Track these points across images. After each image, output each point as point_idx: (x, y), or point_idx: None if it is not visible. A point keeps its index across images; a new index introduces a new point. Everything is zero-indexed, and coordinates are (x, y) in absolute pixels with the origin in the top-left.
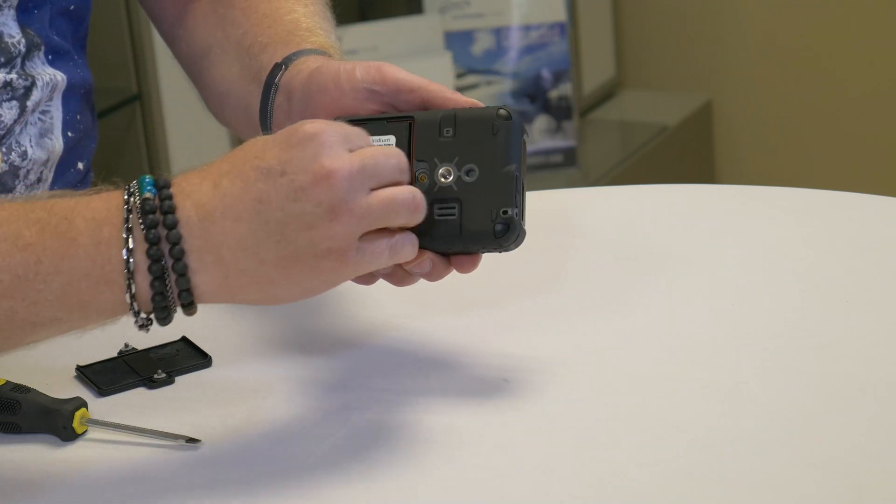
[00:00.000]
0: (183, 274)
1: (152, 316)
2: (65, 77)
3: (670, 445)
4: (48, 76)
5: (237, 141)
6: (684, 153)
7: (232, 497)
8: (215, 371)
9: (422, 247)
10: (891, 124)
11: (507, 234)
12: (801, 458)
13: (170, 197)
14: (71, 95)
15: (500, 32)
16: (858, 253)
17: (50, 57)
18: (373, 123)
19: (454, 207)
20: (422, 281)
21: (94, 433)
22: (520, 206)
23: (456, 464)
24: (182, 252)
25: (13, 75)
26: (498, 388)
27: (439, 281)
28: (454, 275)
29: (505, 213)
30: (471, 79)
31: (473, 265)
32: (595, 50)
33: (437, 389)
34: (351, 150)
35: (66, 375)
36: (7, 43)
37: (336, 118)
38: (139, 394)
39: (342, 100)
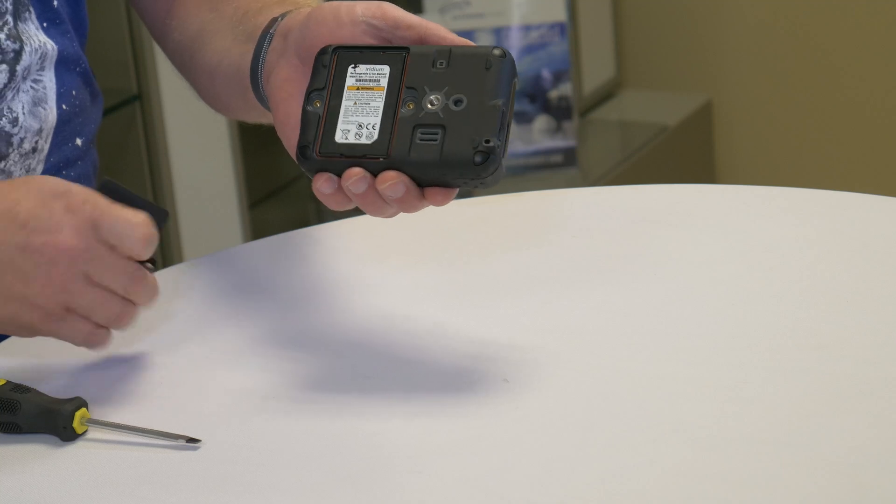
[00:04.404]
0: None
1: None
2: (55, 47)
3: (670, 445)
4: (38, 42)
5: (237, 141)
6: (684, 153)
7: (232, 497)
8: (215, 371)
9: (399, 170)
10: (891, 125)
11: (485, 163)
12: (802, 458)
13: None
14: (64, 69)
15: (500, 32)
16: (858, 253)
17: (45, 24)
18: (368, 52)
19: (437, 133)
20: (421, 281)
21: (94, 433)
22: (503, 141)
23: (456, 464)
24: None
25: (2, 34)
26: (498, 388)
27: (437, 280)
28: (455, 274)
29: (487, 141)
30: None
31: (447, 198)
32: (595, 50)
33: (437, 389)
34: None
35: (66, 375)
36: None
37: (331, 46)
38: (139, 394)
39: (339, 32)
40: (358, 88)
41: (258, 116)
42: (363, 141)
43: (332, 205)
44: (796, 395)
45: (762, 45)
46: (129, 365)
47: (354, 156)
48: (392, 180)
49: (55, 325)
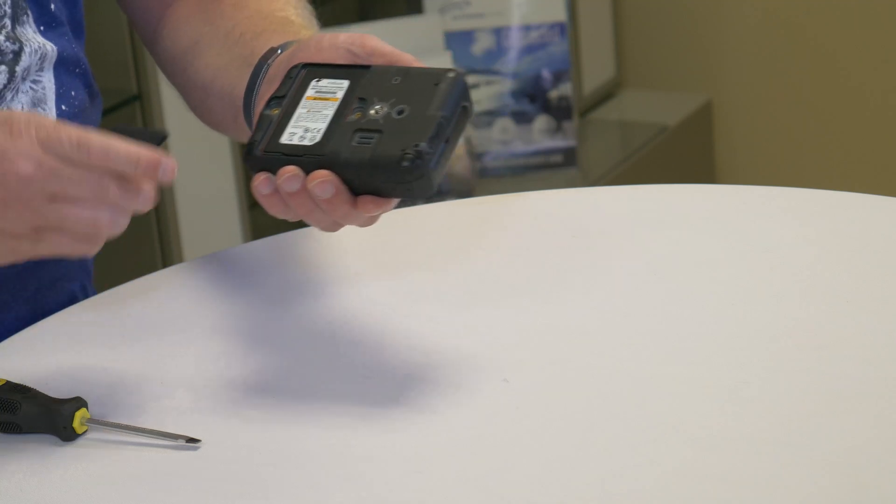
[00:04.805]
0: None
1: None
2: (55, 48)
3: (670, 445)
4: (37, 44)
5: (237, 141)
6: (684, 153)
7: (232, 497)
8: (215, 371)
9: (331, 170)
10: (891, 125)
11: (411, 167)
12: (802, 458)
13: None
14: (64, 70)
15: (500, 32)
16: (858, 253)
17: (42, 28)
18: (334, 69)
19: (373, 137)
20: (421, 281)
21: (94, 433)
22: (435, 152)
23: (456, 464)
24: None
25: (1, 36)
26: (498, 388)
27: (437, 280)
28: (454, 274)
29: (416, 146)
30: (471, 79)
31: (378, 207)
32: (595, 50)
33: (437, 389)
34: (50, 154)
35: (66, 375)
36: None
37: (302, 62)
38: (139, 394)
39: (318, 56)
40: (315, 98)
41: (246, 138)
42: (305, 143)
43: (270, 208)
44: (796, 395)
45: (762, 45)
46: (129, 365)
47: (294, 154)
48: (321, 178)
49: (33, 247)
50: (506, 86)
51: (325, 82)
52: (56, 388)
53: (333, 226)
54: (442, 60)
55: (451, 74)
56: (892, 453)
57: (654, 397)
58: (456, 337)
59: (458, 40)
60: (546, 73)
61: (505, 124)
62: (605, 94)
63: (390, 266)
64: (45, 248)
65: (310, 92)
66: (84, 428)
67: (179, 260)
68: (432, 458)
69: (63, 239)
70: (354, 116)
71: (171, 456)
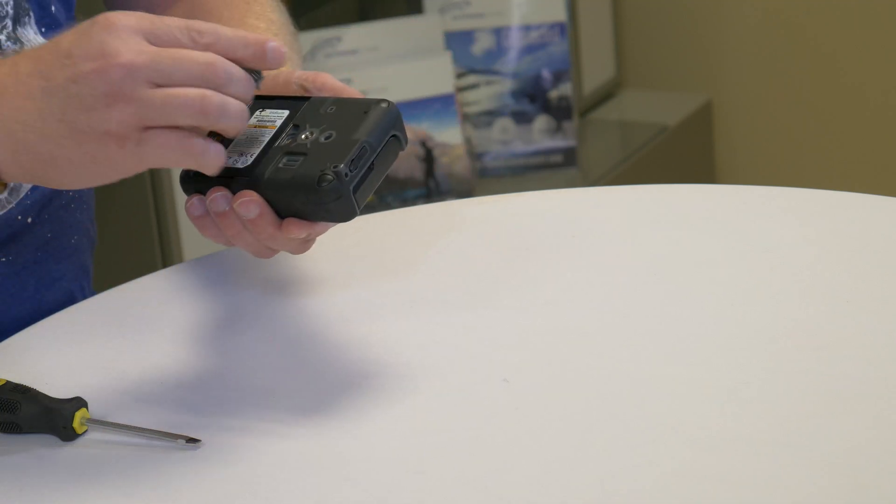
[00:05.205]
0: None
1: None
2: None
3: (670, 446)
4: (38, 45)
5: None
6: (684, 153)
7: (232, 497)
8: (215, 371)
9: (257, 191)
10: (891, 125)
11: (329, 189)
12: (802, 458)
13: None
14: None
15: (500, 32)
16: (858, 253)
17: (43, 30)
18: (278, 100)
19: (298, 160)
20: (420, 281)
21: (94, 433)
22: (356, 175)
23: (456, 464)
24: None
25: (2, 36)
26: (498, 388)
27: (436, 280)
28: (454, 274)
29: (335, 167)
30: (471, 79)
31: (302, 231)
32: (595, 50)
33: (437, 389)
34: (152, 43)
35: (66, 375)
36: None
37: None
38: (139, 394)
39: (273, 89)
40: (256, 126)
41: None
42: (238, 165)
43: (203, 230)
44: (796, 396)
45: (762, 45)
46: (129, 365)
47: (225, 177)
48: (246, 197)
49: (138, 150)
50: (506, 86)
51: (267, 112)
52: (56, 388)
53: (264, 251)
54: (442, 60)
55: (382, 104)
56: (891, 453)
57: (654, 398)
58: (456, 337)
59: (458, 40)
60: (546, 73)
61: (505, 124)
62: (605, 94)
63: (390, 266)
64: (150, 151)
65: (252, 120)
66: (84, 428)
67: (179, 260)
68: (432, 458)
69: (172, 137)
70: (286, 142)
71: (171, 456)
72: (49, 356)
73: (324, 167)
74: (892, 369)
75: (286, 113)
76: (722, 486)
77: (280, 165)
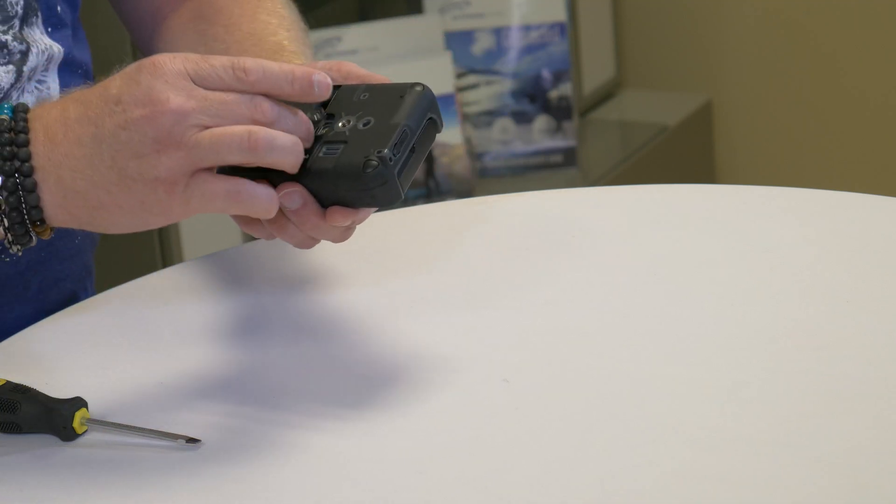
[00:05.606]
0: (31, 191)
1: (10, 235)
2: (62, 49)
3: (670, 446)
4: (44, 44)
5: None
6: (684, 153)
7: (232, 497)
8: (215, 371)
9: (299, 182)
10: (891, 125)
11: (374, 174)
12: (802, 458)
13: (24, 119)
14: (67, 70)
15: (500, 32)
16: (858, 253)
17: (49, 29)
18: None
19: (338, 148)
20: (420, 280)
21: (94, 433)
22: (399, 159)
23: (456, 464)
24: (31, 170)
25: (9, 36)
26: (498, 388)
27: (437, 280)
28: (454, 274)
29: (379, 153)
30: (471, 79)
31: (346, 219)
32: (595, 50)
33: (437, 389)
34: (198, 85)
35: (66, 375)
36: (6, 1)
37: None
38: (139, 394)
39: None
40: None
41: None
42: None
43: (245, 224)
44: (796, 396)
45: (762, 45)
46: (129, 365)
47: (265, 169)
48: (288, 188)
49: (185, 196)
50: (506, 86)
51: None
52: (56, 388)
53: (307, 241)
54: (442, 60)
55: (417, 87)
56: (891, 453)
57: (654, 398)
58: (456, 337)
59: (458, 40)
60: (546, 73)
61: (505, 124)
62: (605, 94)
63: (390, 266)
64: (197, 197)
65: None
66: (84, 428)
67: (179, 260)
68: (432, 459)
69: (216, 187)
70: (323, 131)
71: (171, 456)
72: (49, 356)
73: (367, 153)
74: (892, 369)
75: (317, 103)
76: (722, 486)
77: (321, 155)
